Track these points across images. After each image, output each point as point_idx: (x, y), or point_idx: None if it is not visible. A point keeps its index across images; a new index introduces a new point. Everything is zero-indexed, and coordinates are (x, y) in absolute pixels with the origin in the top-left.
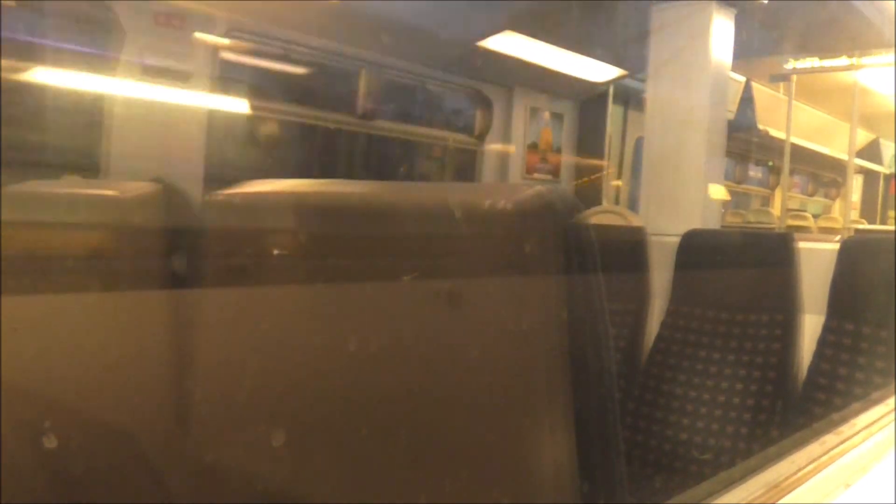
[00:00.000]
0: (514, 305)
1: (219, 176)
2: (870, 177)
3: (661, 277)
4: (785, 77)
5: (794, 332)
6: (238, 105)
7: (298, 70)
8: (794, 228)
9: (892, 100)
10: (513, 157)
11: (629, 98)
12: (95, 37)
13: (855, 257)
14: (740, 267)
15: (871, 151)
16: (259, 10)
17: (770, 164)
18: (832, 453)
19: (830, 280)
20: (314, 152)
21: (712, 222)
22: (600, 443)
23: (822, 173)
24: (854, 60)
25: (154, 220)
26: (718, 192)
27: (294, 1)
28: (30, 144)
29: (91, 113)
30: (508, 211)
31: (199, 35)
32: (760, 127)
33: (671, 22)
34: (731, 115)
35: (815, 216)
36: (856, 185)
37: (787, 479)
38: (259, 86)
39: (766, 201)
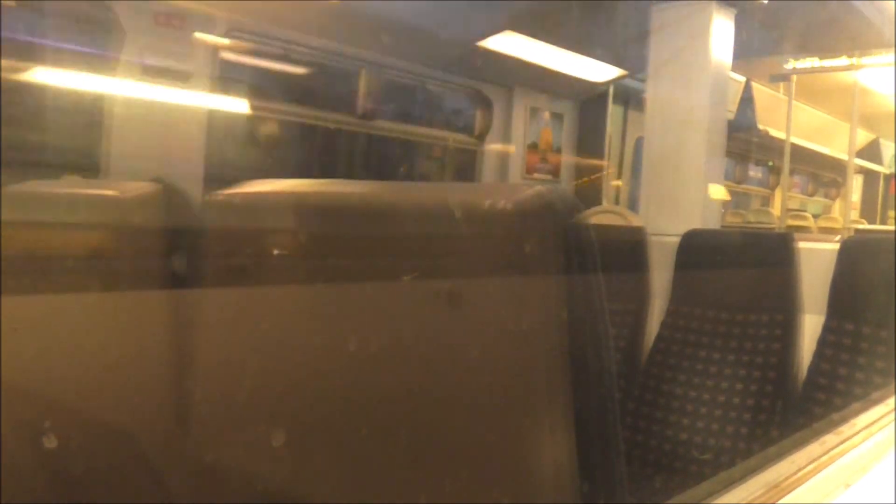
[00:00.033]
0: (514, 305)
1: (219, 176)
2: (870, 177)
3: (661, 277)
4: (785, 77)
5: (794, 332)
6: (238, 105)
7: (298, 70)
8: (794, 228)
9: (892, 100)
10: (513, 157)
11: (629, 98)
12: (95, 37)
13: (855, 257)
14: (740, 267)
15: (871, 151)
16: (259, 10)
17: (770, 164)
18: (832, 453)
19: (830, 280)
20: (314, 152)
21: (712, 222)
22: (600, 443)
23: (822, 173)
24: (854, 60)
25: (154, 220)
26: (719, 192)
27: (294, 1)
28: (30, 144)
29: (91, 113)
30: (508, 211)
31: (198, 35)
32: (760, 127)
33: (671, 22)
34: (731, 115)
35: (815, 216)
36: (856, 185)
37: (787, 479)
38: (259, 86)
39: (766, 201)
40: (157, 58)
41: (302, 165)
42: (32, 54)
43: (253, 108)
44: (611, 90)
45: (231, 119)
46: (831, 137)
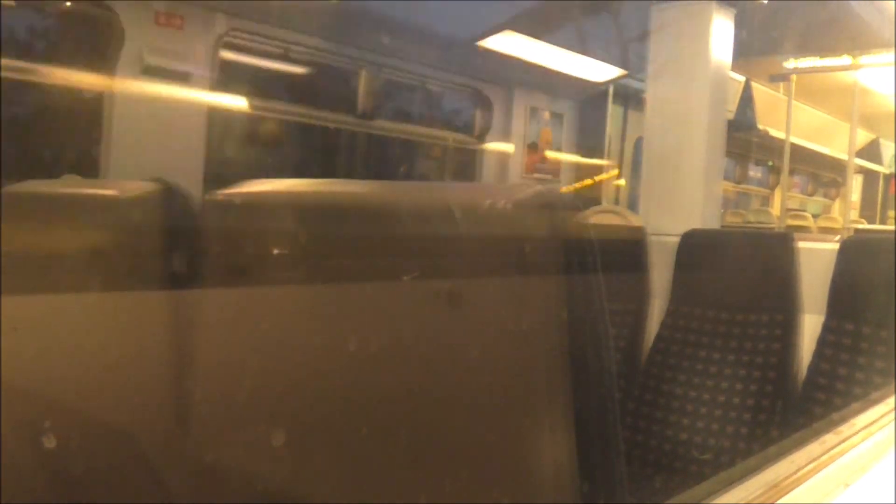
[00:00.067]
0: (514, 305)
1: (218, 175)
2: (869, 177)
3: (660, 277)
4: (784, 77)
5: (793, 332)
6: (238, 105)
7: (298, 70)
8: (794, 228)
9: (892, 100)
10: (512, 157)
11: (629, 98)
12: (95, 36)
13: (854, 257)
14: (740, 267)
15: (870, 151)
16: (259, 10)
17: (770, 163)
18: (832, 453)
19: (830, 280)
20: (314, 152)
21: (712, 222)
22: (600, 443)
23: (821, 173)
24: (854, 60)
25: (153, 220)
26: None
27: (294, 1)
28: (29, 144)
29: (90, 112)
30: (508, 211)
31: (198, 35)
32: (760, 127)
33: (671, 22)
34: (730, 115)
35: (815, 216)
36: (855, 184)
37: (786, 478)
38: (259, 86)
39: (766, 201)
40: (156, 57)
41: (302, 165)
42: (32, 54)
43: (253, 107)
44: (610, 90)
45: (231, 119)
46: (831, 137)
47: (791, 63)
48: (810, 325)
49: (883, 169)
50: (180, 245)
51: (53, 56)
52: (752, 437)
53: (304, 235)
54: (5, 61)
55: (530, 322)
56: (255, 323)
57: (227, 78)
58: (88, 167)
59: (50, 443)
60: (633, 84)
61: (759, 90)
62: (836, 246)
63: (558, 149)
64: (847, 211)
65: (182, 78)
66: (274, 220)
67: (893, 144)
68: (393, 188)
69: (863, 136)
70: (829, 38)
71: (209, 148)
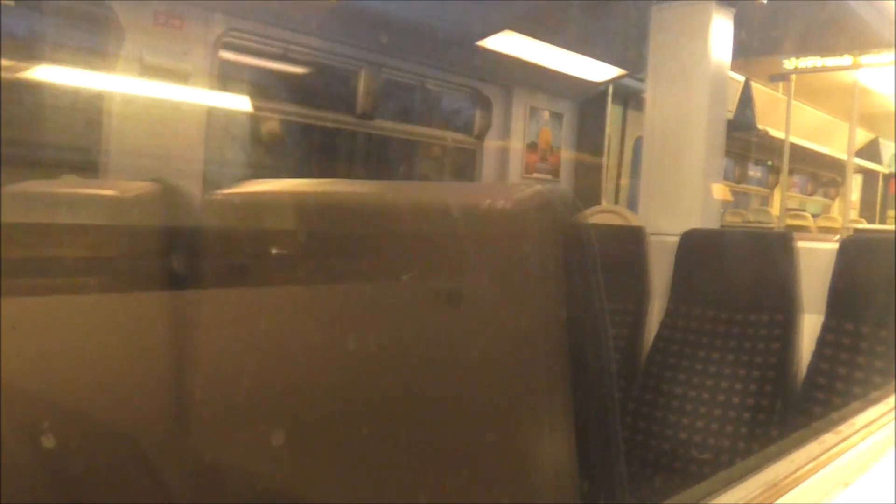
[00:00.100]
0: (514, 305)
1: (218, 175)
2: (869, 176)
3: (660, 277)
4: (784, 77)
5: (793, 331)
6: (237, 104)
7: (298, 70)
8: (794, 228)
9: (892, 100)
10: (512, 157)
11: (629, 98)
12: (95, 36)
13: (854, 257)
14: (740, 267)
15: (870, 151)
16: (259, 10)
17: (769, 163)
18: (831, 452)
19: (830, 280)
20: (313, 152)
21: (711, 222)
22: (600, 443)
23: (821, 173)
24: (854, 60)
25: (153, 220)
26: (720, 191)
27: (294, 1)
28: (29, 143)
29: (90, 112)
30: (508, 211)
31: (198, 34)
32: (760, 126)
33: (671, 22)
34: (730, 115)
35: (815, 216)
36: (855, 184)
37: (786, 478)
38: (258, 85)
39: (766, 201)
40: (156, 57)
41: (301, 165)
42: (32, 53)
43: (252, 107)
44: (610, 90)
45: (230, 118)
46: (831, 137)
47: (791, 63)
48: (810, 325)
49: (882, 168)
50: (180, 244)
51: (53, 56)
52: (751, 436)
53: (304, 235)
54: (5, 61)
55: (530, 322)
56: (254, 322)
57: (226, 78)
58: (88, 167)
59: (50, 443)
60: (633, 84)
61: (759, 90)
62: (836, 246)
63: (558, 148)
64: (846, 210)
65: (181, 78)
66: (273, 220)
67: (893, 144)
68: (392, 188)
69: (862, 136)
70: (829, 38)
71: (208, 148)
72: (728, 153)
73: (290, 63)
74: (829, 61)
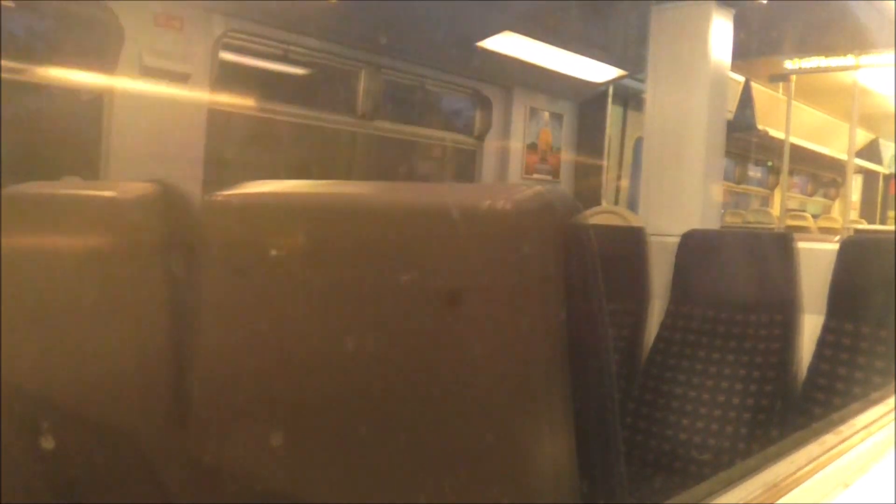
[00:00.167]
0: (514, 306)
1: (218, 176)
2: (869, 177)
3: (660, 278)
4: (784, 77)
5: (793, 332)
6: (237, 105)
7: (298, 70)
8: (794, 228)
9: (892, 100)
10: (512, 158)
11: (629, 98)
12: (95, 37)
13: (854, 257)
14: (740, 267)
15: (870, 151)
16: (258, 11)
17: (769, 164)
18: (831, 453)
19: (830, 280)
20: (313, 153)
21: (711, 222)
22: (600, 443)
23: (821, 173)
24: (854, 60)
25: (153, 222)
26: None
27: (294, 1)
28: (29, 144)
29: (90, 113)
30: (507, 211)
31: (198, 35)
32: (760, 127)
33: (671, 22)
34: (730, 116)
35: (815, 216)
36: (855, 185)
37: (786, 478)
38: (258, 86)
39: (766, 201)
40: (156, 58)
41: (301, 166)
42: (32, 54)
43: (252, 108)
44: (610, 90)
45: (230, 119)
46: (831, 137)
47: (791, 63)
48: (810, 325)
49: (882, 169)
50: (179, 246)
51: (53, 57)
52: (751, 437)
53: (304, 237)
54: (5, 62)
55: (530, 322)
56: (254, 324)
57: (226, 79)
58: (88, 168)
59: (49, 443)
60: (633, 84)
61: (759, 90)
62: (836, 246)
63: (558, 149)
64: (847, 211)
65: (181, 79)
66: (273, 222)
67: (893, 144)
68: (392, 189)
69: (862, 136)
70: (829, 38)
71: (208, 149)
72: (728, 154)
73: (290, 64)
74: (830, 61)
